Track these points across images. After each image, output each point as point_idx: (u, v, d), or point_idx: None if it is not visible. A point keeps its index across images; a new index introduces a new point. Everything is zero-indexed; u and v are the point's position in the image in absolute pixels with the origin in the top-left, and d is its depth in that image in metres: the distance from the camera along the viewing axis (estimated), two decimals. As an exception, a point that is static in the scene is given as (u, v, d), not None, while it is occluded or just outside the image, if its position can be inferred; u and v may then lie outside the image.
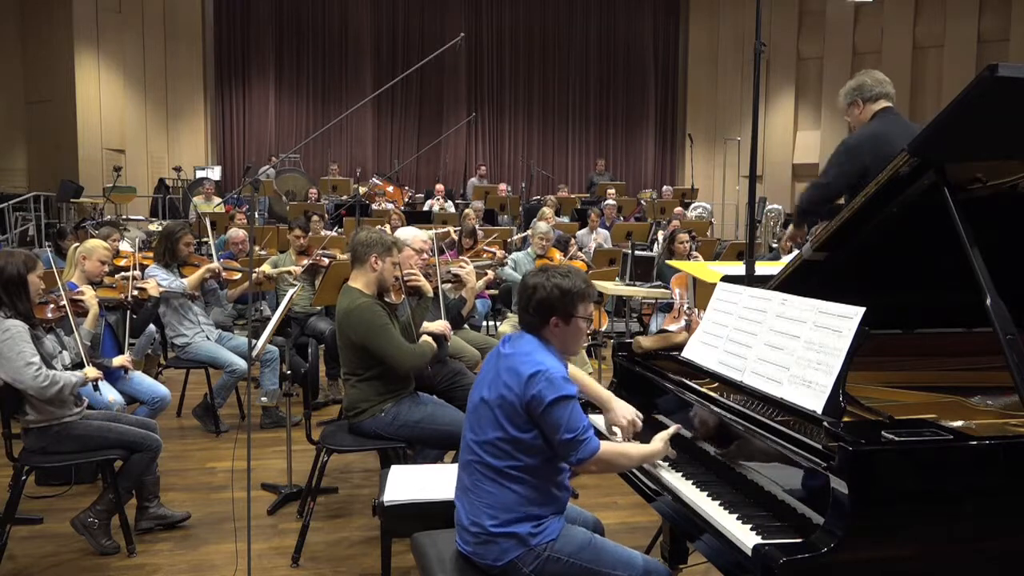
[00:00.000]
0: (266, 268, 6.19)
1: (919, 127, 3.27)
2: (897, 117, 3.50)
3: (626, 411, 2.55)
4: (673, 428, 2.43)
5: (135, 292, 4.60)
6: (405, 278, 3.87)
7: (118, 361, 4.12)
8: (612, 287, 6.75)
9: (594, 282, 6.52)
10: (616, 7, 17.92)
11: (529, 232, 7.90)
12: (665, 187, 14.81)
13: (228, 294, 5.69)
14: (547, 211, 9.67)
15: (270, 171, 13.03)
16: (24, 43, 14.46)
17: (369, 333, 3.41)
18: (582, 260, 7.82)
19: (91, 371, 3.59)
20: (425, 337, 3.65)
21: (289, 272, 6.18)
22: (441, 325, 3.78)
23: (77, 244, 4.64)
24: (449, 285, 4.36)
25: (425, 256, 4.27)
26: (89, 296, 4.07)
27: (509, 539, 2.19)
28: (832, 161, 3.49)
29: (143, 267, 5.15)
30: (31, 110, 14.58)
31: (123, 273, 4.81)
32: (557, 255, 7.30)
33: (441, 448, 3.71)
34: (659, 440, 2.38)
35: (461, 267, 4.41)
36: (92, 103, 14.20)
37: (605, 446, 2.26)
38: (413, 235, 4.31)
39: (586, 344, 6.80)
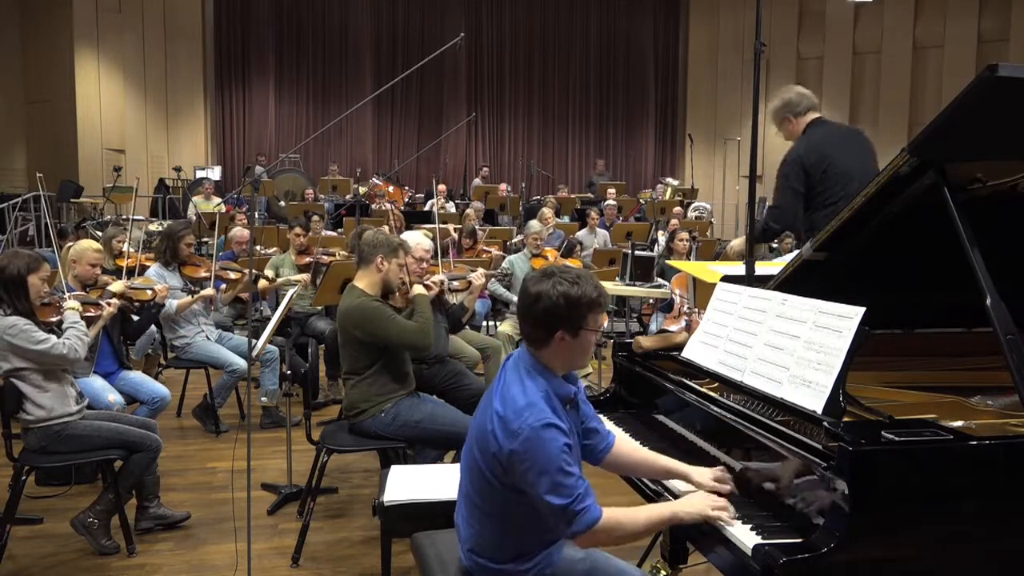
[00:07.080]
0: (267, 274, 6.14)
1: (851, 127, 3.73)
2: (827, 123, 3.79)
3: (704, 474, 2.11)
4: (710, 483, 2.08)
5: (141, 295, 4.58)
6: (404, 285, 3.86)
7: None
8: (612, 287, 6.76)
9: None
10: (616, 7, 17.92)
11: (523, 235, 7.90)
12: (659, 185, 14.71)
13: (223, 297, 5.66)
14: (547, 211, 9.65)
15: (260, 171, 12.96)
16: (24, 43, 14.47)
17: (373, 320, 3.43)
18: (580, 260, 7.80)
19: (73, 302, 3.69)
20: (418, 301, 3.65)
21: (294, 281, 6.11)
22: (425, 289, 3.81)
23: (70, 245, 4.61)
24: (455, 290, 4.37)
25: (425, 265, 4.26)
26: (107, 313, 4.07)
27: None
28: (778, 183, 3.72)
29: (144, 268, 5.15)
30: (31, 110, 14.59)
31: (135, 282, 4.78)
32: (553, 255, 7.29)
33: (441, 448, 3.71)
34: (692, 496, 2.03)
35: (478, 277, 4.44)
36: (92, 103, 14.21)
37: (609, 512, 1.89)
38: (416, 242, 4.28)
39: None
